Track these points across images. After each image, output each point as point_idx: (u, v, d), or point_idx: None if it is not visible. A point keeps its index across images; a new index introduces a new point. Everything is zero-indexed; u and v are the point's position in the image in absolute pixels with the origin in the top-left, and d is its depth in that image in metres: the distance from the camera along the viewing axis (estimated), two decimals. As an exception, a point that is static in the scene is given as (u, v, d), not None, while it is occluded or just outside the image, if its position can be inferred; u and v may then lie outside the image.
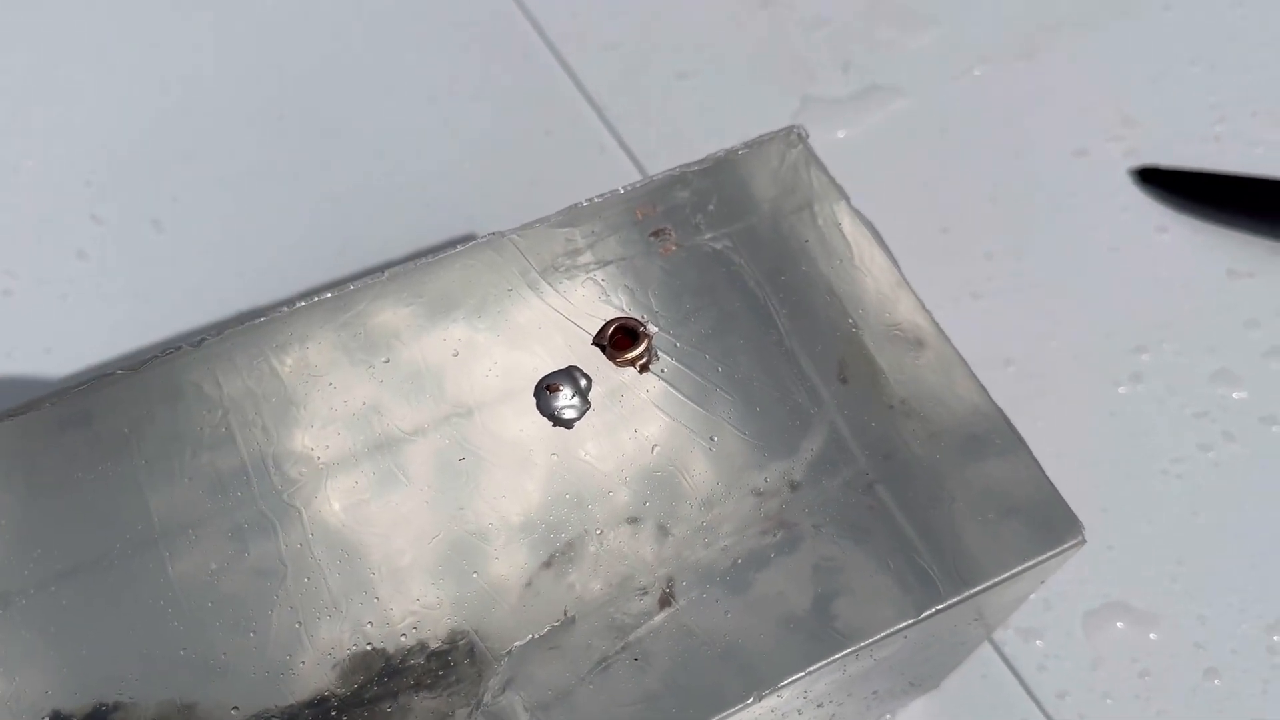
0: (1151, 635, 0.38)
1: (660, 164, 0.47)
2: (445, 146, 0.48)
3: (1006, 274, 0.45)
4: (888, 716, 0.36)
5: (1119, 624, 0.39)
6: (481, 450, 0.27)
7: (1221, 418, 0.42)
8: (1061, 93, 0.50)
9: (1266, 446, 0.42)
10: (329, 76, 0.49)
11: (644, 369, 0.28)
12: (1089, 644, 0.38)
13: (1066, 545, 0.26)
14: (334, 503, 0.26)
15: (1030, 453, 0.27)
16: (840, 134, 0.49)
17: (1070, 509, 0.27)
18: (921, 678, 0.34)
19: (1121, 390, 0.43)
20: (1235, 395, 0.43)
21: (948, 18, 0.52)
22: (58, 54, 0.49)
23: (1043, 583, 0.28)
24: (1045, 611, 0.39)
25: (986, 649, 0.38)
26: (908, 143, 0.49)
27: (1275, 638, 0.38)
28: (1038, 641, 0.38)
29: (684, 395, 0.28)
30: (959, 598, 0.25)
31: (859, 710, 0.32)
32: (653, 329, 0.29)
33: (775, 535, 0.26)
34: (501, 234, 0.30)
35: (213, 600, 0.25)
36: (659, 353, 0.28)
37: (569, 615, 0.25)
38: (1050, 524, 0.26)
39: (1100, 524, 0.39)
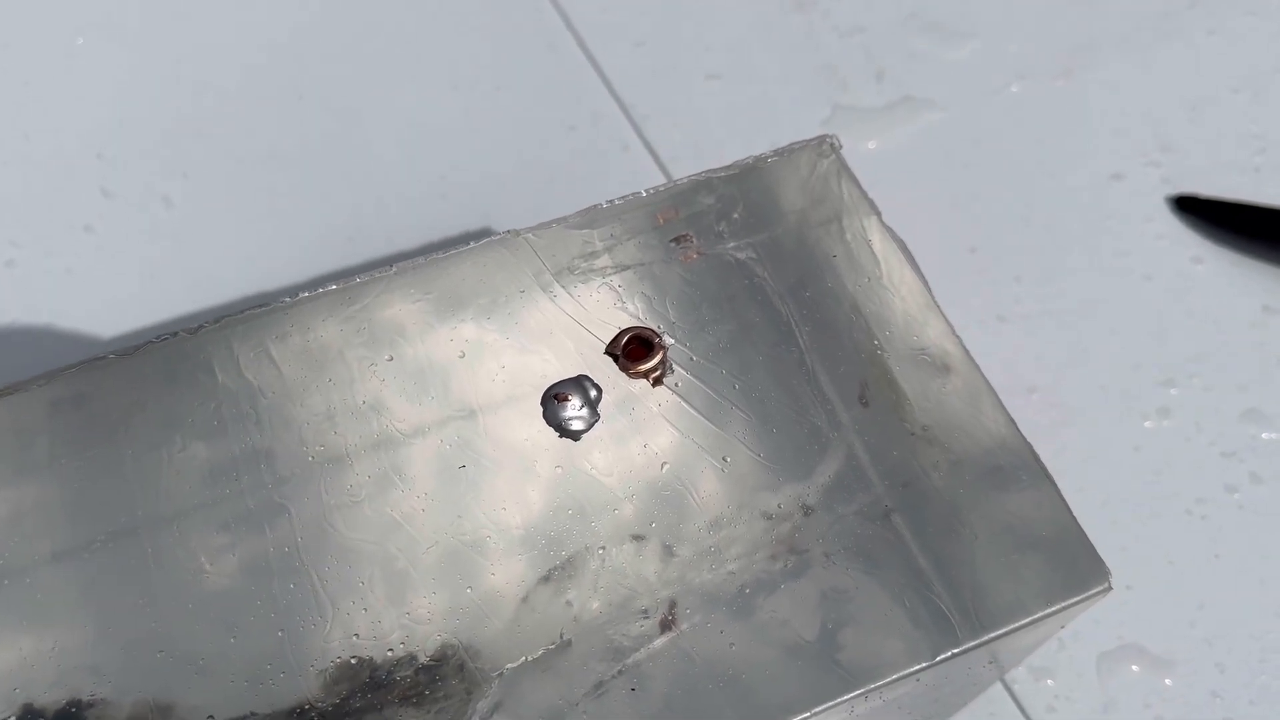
0: (1167, 681, 0.37)
1: (685, 165, 0.46)
2: (465, 136, 0.47)
3: (1034, 298, 0.44)
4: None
5: (1134, 667, 0.37)
6: (483, 457, 0.26)
7: (1250, 458, 0.41)
8: (1099, 114, 0.49)
9: (1295, 491, 0.40)
10: (350, 59, 0.48)
11: (657, 382, 0.27)
12: (1101, 687, 0.37)
13: (1091, 591, 0.25)
14: (326, 504, 0.25)
15: (1058, 491, 0.26)
16: (870, 144, 0.47)
17: (1097, 553, 0.25)
18: (928, 716, 0.33)
19: (1148, 425, 0.42)
20: (1265, 436, 0.41)
21: (987, 32, 0.50)
22: (74, 24, 0.48)
23: (1063, 628, 0.27)
24: (1058, 651, 0.37)
25: (996, 686, 0.36)
26: (939, 157, 0.47)
27: (1295, 690, 0.37)
28: (1049, 681, 0.37)
29: (697, 410, 0.27)
30: (976, 642, 0.24)
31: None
32: (669, 340, 0.27)
33: (785, 562, 0.25)
34: (517, 232, 0.28)
35: (194, 599, 0.24)
36: (673, 365, 0.27)
37: (565, 638, 0.24)
38: (1075, 567, 0.25)
39: (1119, 563, 0.37)
